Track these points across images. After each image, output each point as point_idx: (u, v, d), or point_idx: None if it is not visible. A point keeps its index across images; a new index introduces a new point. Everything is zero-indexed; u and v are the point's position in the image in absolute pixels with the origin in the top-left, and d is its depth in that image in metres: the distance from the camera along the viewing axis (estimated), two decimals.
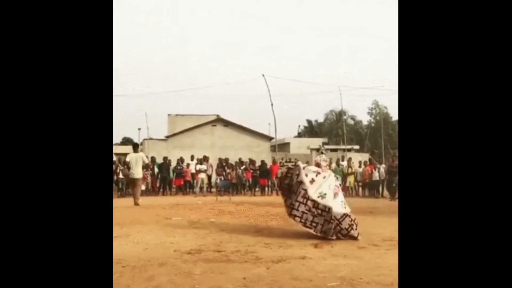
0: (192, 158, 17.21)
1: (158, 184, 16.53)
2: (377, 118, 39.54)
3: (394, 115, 40.32)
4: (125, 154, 18.22)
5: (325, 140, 31.39)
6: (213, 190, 16.40)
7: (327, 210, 5.89)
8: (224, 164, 17.03)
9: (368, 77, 56.15)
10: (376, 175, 16.21)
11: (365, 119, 42.00)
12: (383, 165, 16.88)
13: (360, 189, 17.08)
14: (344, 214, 5.92)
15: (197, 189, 16.37)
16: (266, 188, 16.93)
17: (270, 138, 24.31)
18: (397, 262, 4.40)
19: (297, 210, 6.04)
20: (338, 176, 6.41)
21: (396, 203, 12.45)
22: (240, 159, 17.88)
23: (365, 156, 23.08)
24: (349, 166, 17.15)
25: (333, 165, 16.56)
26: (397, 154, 24.02)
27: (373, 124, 39.15)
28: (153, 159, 16.24)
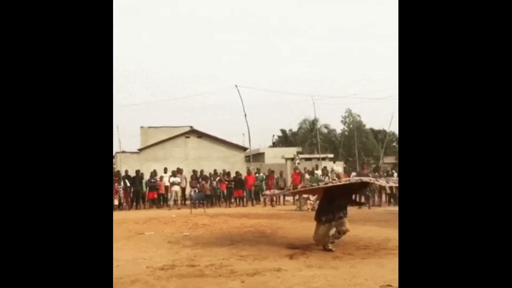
0: (165, 170, 16.92)
1: (130, 198, 16.18)
2: (351, 126, 40.00)
3: (367, 123, 40.99)
4: None
5: (299, 149, 31.52)
6: (188, 202, 16.18)
7: None
8: (198, 176, 16.84)
9: (340, 85, 56.82)
10: None
11: (338, 127, 42.39)
12: (353, 173, 17.00)
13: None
14: None
15: (171, 202, 16.06)
16: (241, 200, 16.81)
17: (244, 149, 24.24)
18: (371, 271, 4.44)
19: None
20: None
21: (368, 210, 12.59)
22: (214, 170, 17.72)
23: (340, 165, 23.28)
24: (325, 174, 17.21)
25: (306, 175, 16.66)
26: (370, 162, 24.31)
27: (346, 133, 39.52)
28: (117, 174, 15.96)
